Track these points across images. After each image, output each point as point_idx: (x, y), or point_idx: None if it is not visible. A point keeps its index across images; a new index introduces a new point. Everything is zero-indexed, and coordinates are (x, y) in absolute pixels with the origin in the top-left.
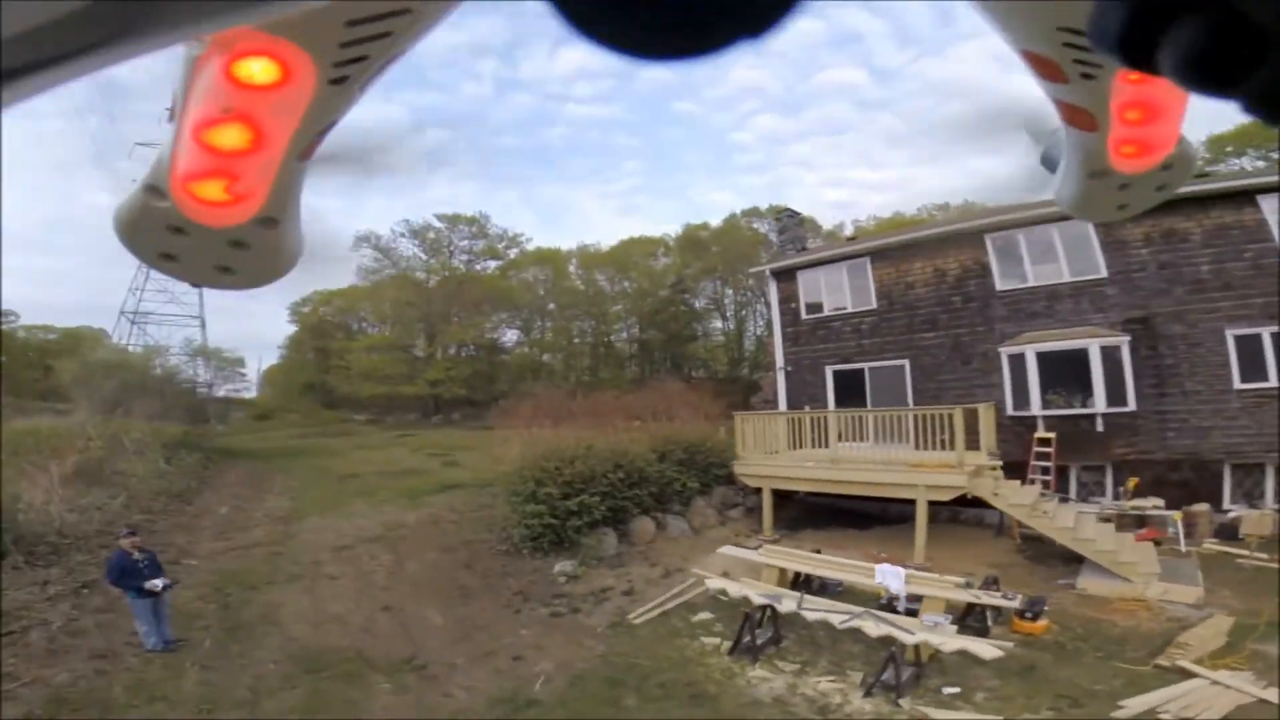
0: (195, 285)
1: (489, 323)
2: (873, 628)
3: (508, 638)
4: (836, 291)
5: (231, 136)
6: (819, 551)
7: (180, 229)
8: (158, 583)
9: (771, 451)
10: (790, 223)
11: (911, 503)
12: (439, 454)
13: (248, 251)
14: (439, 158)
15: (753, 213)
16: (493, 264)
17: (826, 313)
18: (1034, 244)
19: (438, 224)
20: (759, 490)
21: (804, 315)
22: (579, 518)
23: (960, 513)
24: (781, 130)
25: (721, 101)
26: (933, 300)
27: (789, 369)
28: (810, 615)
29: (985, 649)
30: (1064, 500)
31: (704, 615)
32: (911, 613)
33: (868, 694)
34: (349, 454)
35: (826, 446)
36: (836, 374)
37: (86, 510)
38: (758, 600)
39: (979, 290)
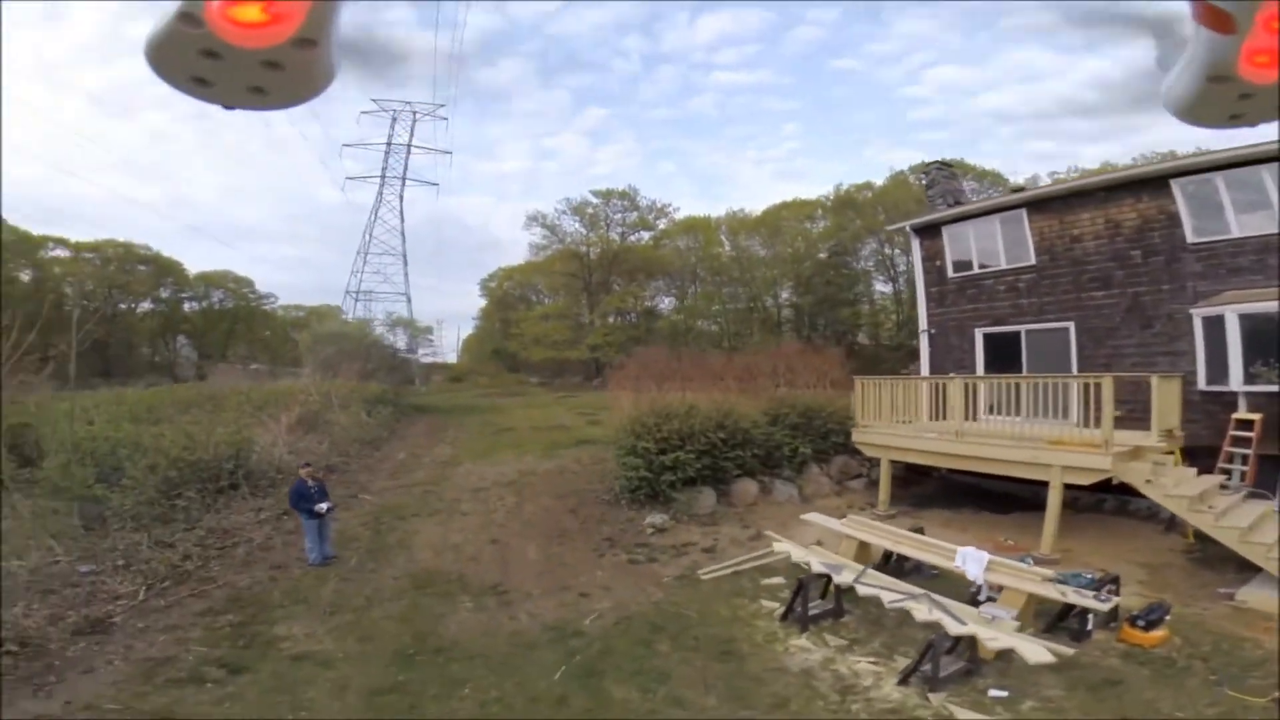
0: (226, 107)
1: (644, 290)
2: (923, 612)
3: (584, 576)
4: (988, 247)
5: None
6: (921, 530)
7: (214, 53)
8: (323, 506)
9: (904, 420)
10: (940, 175)
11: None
12: (586, 413)
13: (282, 73)
14: (601, 136)
15: (923, 169)
16: (646, 235)
17: (976, 270)
18: (1238, 188)
19: (594, 199)
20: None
21: (950, 274)
22: (673, 473)
23: (1129, 503)
24: (964, 81)
25: (887, 57)
26: (1105, 254)
27: (933, 332)
28: (863, 591)
29: (1034, 651)
30: (1258, 496)
31: (775, 579)
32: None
33: (902, 681)
34: (514, 412)
35: (974, 419)
36: (987, 338)
37: (301, 453)
38: (817, 568)
39: (1164, 243)
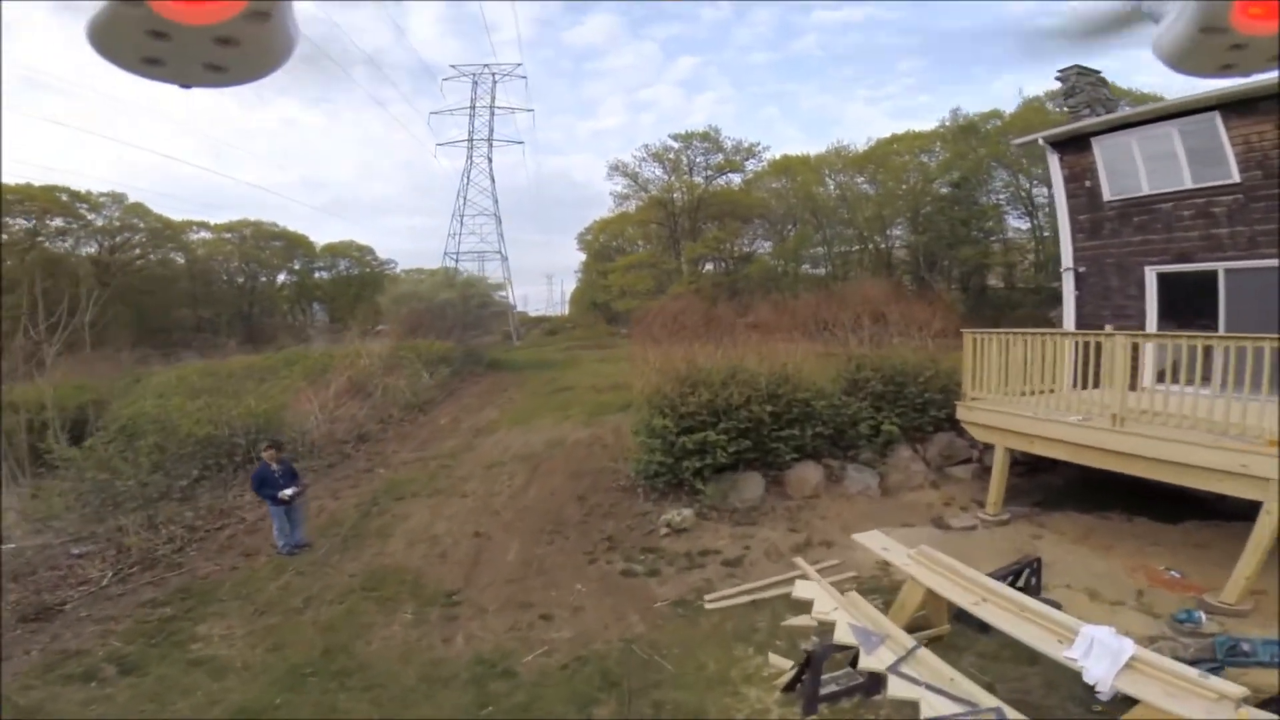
0: (184, 87)
1: (737, 235)
2: None
3: (559, 590)
4: (1162, 163)
5: None
6: (1035, 567)
7: (162, 33)
8: (287, 492)
9: (1032, 391)
10: (1082, 81)
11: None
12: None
13: (238, 48)
14: (695, 85)
15: (1060, 74)
16: (735, 178)
17: (1147, 192)
18: None
19: (674, 144)
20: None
21: (1108, 197)
22: (699, 459)
23: None
24: None
25: None
26: None
27: (1081, 270)
28: (899, 691)
29: None
30: None
31: (801, 620)
32: None
33: None
34: (585, 366)
35: (1136, 389)
36: (1163, 280)
37: (341, 420)
38: (842, 634)
39: None
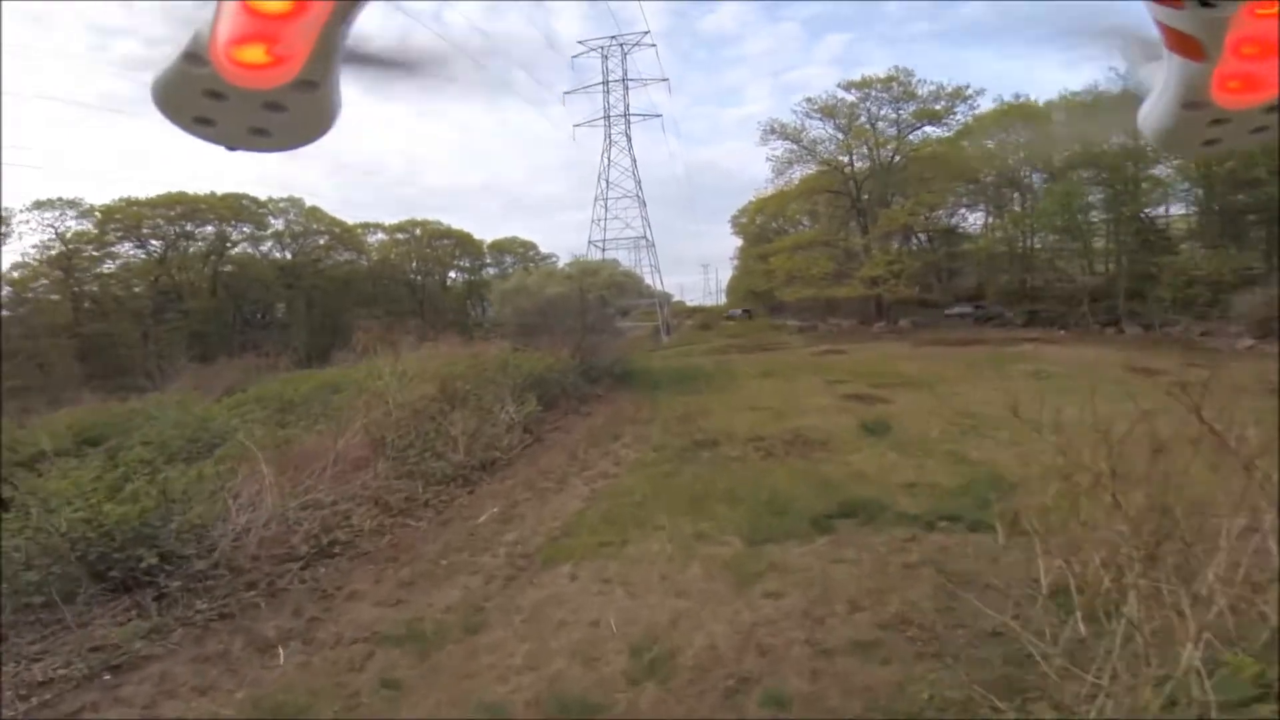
0: (230, 148)
1: (941, 203)
2: None
3: None
4: None
5: (275, 2)
6: None
7: (218, 93)
8: None
9: None
10: None
11: None
12: (861, 397)
13: (284, 114)
14: (848, 62)
15: None
16: (933, 131)
17: None
18: None
19: (847, 95)
20: None
21: None
22: None
23: None
24: None
25: None
26: None
27: None
28: None
29: None
30: None
31: None
32: None
33: None
34: (741, 385)
35: None
36: None
37: (316, 506)
38: None
39: None
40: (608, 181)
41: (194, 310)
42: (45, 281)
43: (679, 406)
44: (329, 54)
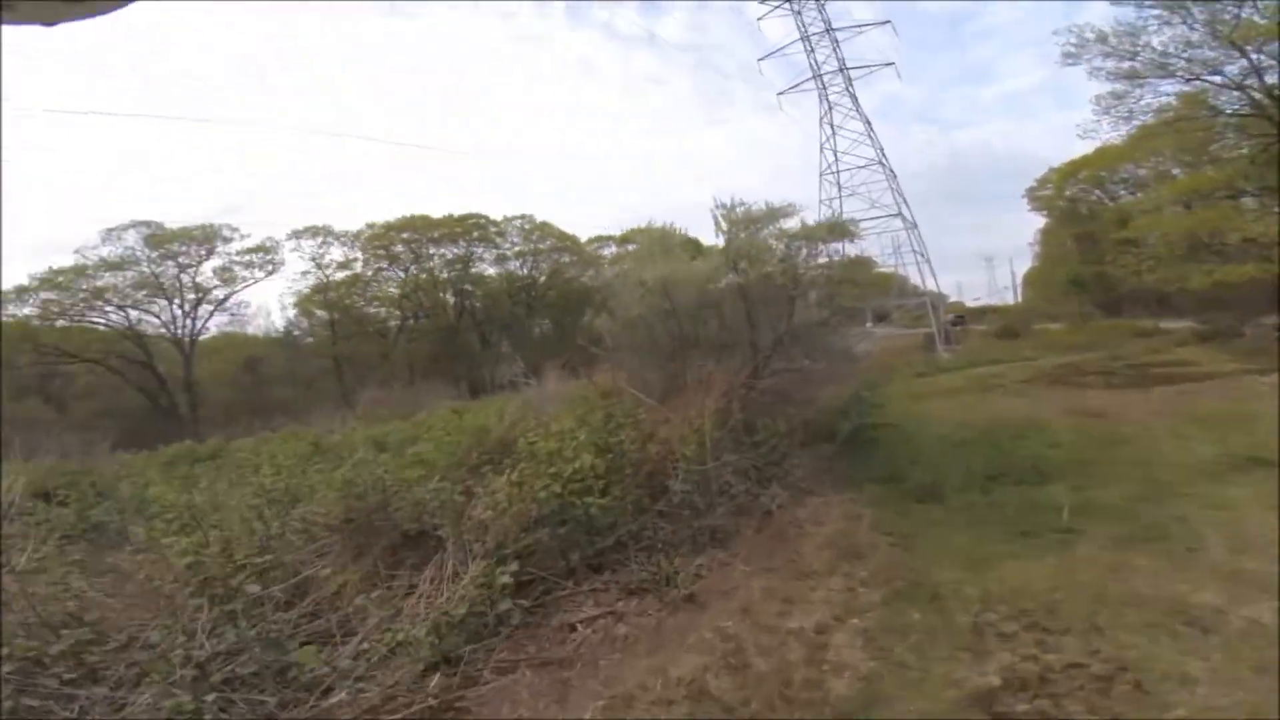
0: (49, 23)
1: None
2: None
3: None
4: None
5: None
6: None
7: None
8: None
9: None
10: None
11: None
12: None
13: None
14: None
15: None
16: None
17: None
18: None
19: None
20: None
21: None
22: None
23: None
24: None
25: None
26: None
27: None
28: None
29: None
30: None
31: None
32: None
33: None
34: (1154, 466)
35: None
36: None
37: None
38: None
39: None
40: (835, 151)
41: (431, 330)
42: (319, 311)
43: (1013, 595)
44: None
